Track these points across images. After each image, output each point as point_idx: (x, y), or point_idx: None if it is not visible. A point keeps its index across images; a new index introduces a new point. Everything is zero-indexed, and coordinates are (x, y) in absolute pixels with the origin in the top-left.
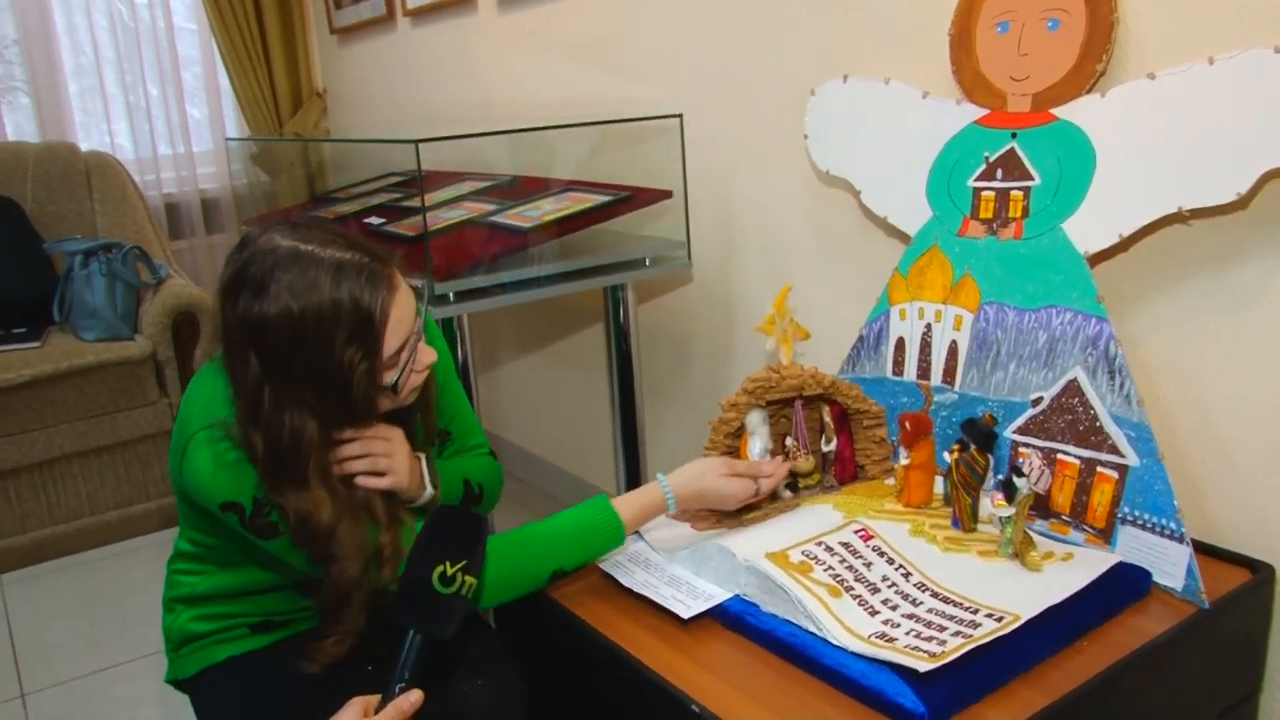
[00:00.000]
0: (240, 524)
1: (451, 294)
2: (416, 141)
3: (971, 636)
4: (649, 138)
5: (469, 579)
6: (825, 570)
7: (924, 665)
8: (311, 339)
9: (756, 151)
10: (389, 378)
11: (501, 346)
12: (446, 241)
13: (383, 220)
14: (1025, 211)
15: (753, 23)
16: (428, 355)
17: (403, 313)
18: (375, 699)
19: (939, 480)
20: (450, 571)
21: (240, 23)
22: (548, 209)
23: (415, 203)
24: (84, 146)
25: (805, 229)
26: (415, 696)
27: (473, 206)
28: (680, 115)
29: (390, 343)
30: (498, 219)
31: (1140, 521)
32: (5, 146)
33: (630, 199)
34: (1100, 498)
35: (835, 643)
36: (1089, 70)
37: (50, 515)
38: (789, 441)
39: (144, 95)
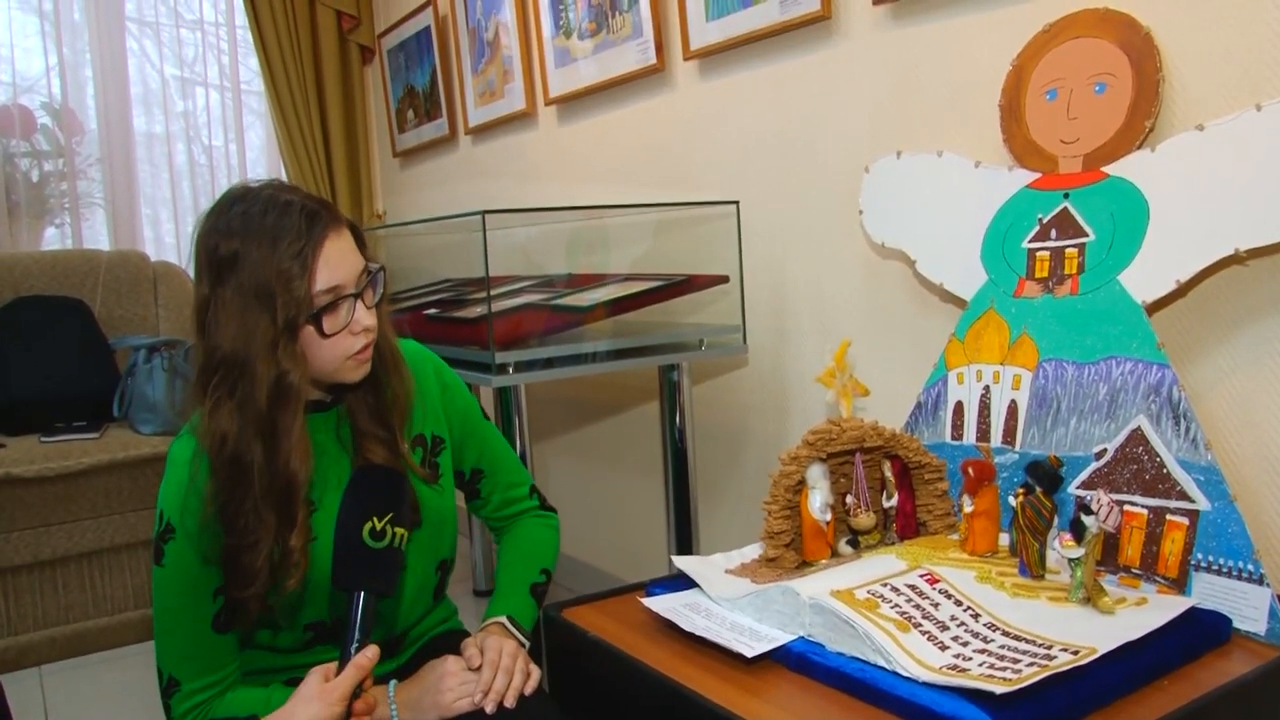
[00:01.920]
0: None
1: (511, 365)
2: (484, 213)
3: (1047, 666)
4: (706, 225)
5: (399, 530)
6: (892, 608)
7: (1000, 688)
8: (252, 256)
9: (810, 234)
10: (328, 324)
11: (554, 450)
12: (507, 320)
13: (440, 311)
14: (1081, 267)
15: (805, 111)
16: (366, 318)
17: (338, 255)
18: (333, 665)
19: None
20: (379, 526)
21: (309, 148)
22: (607, 292)
23: (473, 295)
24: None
25: (859, 305)
26: (372, 652)
27: (532, 295)
28: (737, 202)
29: (321, 275)
30: (557, 302)
31: (1216, 567)
32: (81, 252)
33: (687, 283)
34: (1171, 546)
35: (905, 674)
36: (1138, 128)
37: (95, 607)
38: (849, 499)
39: None
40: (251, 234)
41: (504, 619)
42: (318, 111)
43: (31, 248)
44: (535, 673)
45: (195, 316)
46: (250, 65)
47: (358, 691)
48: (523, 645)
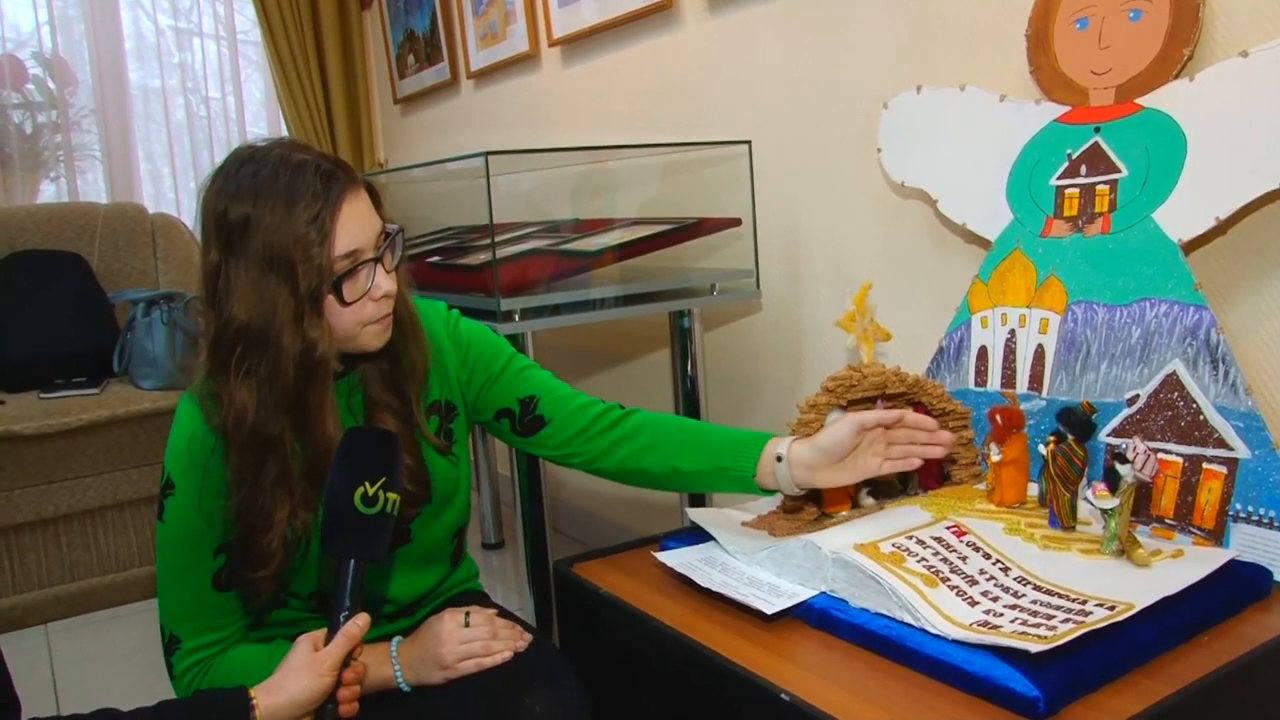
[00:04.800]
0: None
1: (517, 313)
2: (486, 154)
3: (1083, 622)
4: (717, 167)
5: (391, 495)
6: (919, 561)
7: (1035, 647)
8: (266, 220)
9: (826, 173)
10: (349, 291)
11: None
12: (513, 266)
13: (443, 259)
14: (1112, 205)
15: (821, 46)
16: (387, 283)
17: (357, 218)
18: (322, 633)
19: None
20: (371, 491)
21: (308, 97)
22: (615, 236)
23: (477, 241)
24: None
25: (877, 247)
26: (362, 620)
27: (539, 241)
28: (749, 142)
29: (341, 239)
30: (564, 247)
31: (1256, 517)
32: (77, 205)
33: (698, 225)
34: (1208, 496)
35: (934, 631)
36: (1175, 56)
37: (99, 565)
38: None
39: (212, 169)
40: (264, 197)
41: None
42: (316, 60)
43: (27, 202)
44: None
45: (204, 285)
46: (247, 15)
47: (348, 660)
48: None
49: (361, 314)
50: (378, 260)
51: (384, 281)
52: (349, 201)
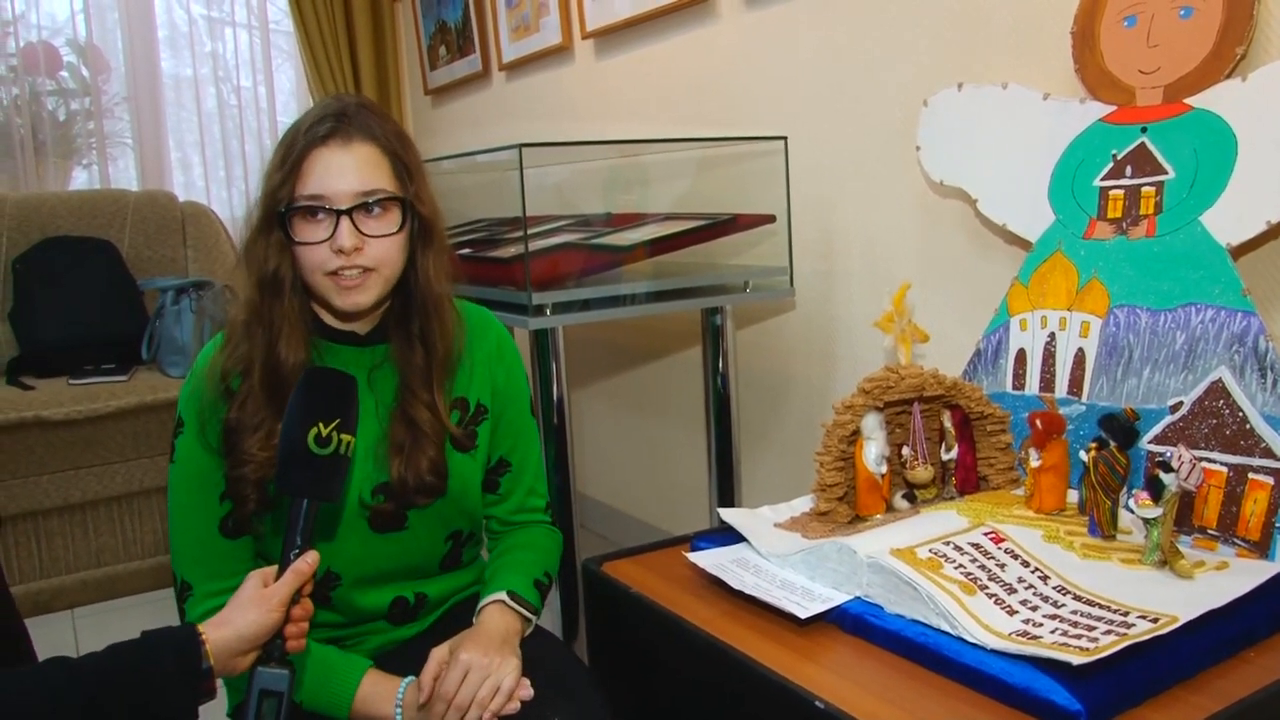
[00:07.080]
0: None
1: (549, 307)
2: (520, 146)
3: (1126, 634)
4: (752, 162)
5: (345, 436)
6: (956, 568)
7: (1078, 659)
8: (271, 162)
9: (863, 171)
10: (295, 228)
11: (591, 396)
12: (545, 259)
13: (474, 251)
14: (1158, 208)
15: (859, 41)
16: (347, 238)
17: (328, 166)
18: (272, 570)
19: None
20: (325, 432)
21: (339, 87)
22: (648, 231)
23: (508, 234)
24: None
25: (914, 247)
26: (312, 557)
27: (570, 235)
28: (785, 137)
29: (304, 181)
30: (596, 241)
31: None
32: (108, 192)
33: (732, 222)
34: (1254, 507)
35: (972, 640)
36: (1228, 55)
37: (125, 551)
38: (905, 450)
39: (242, 158)
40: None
41: (503, 594)
42: (348, 50)
43: (60, 188)
44: (506, 686)
45: None
46: (279, 4)
47: (297, 597)
48: (530, 620)
49: (314, 258)
50: (344, 213)
51: (345, 236)
52: (329, 149)
